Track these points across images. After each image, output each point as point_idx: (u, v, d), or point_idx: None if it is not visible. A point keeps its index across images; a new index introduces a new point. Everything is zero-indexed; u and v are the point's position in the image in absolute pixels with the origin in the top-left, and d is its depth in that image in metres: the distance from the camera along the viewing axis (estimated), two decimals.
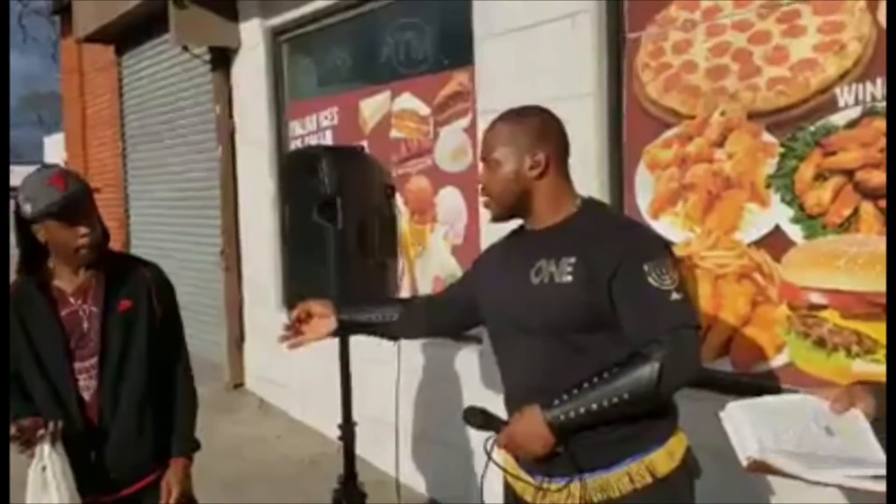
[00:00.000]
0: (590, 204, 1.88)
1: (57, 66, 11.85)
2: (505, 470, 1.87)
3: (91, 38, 7.85)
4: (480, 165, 1.87)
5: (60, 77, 10.87)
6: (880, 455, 1.06)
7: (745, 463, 1.13)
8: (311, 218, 2.39)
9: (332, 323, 2.16)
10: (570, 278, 1.71)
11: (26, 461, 2.06)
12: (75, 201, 2.10)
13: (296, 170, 2.49)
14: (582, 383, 1.66)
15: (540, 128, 1.82)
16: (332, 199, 2.35)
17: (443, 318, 2.14)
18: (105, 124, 8.93)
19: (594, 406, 1.65)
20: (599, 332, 1.71)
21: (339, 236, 2.37)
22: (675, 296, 1.68)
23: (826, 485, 1.01)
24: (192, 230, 7.08)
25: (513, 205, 1.83)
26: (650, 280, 1.67)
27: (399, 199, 4.31)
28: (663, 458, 1.74)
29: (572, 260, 1.72)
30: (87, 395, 2.20)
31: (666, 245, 1.84)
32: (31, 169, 2.27)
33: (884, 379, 1.56)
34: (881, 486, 0.98)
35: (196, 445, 2.38)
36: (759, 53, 2.64)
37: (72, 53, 9.72)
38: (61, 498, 2.01)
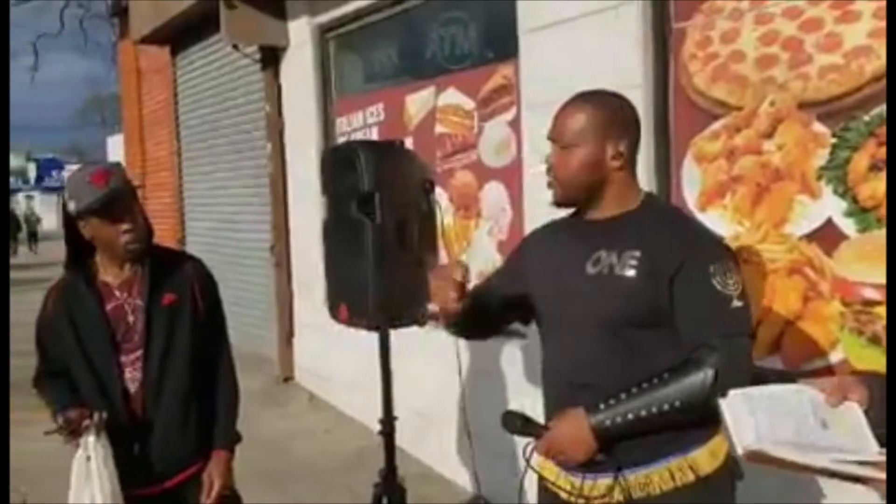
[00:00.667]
0: (652, 198, 1.85)
1: (116, 69, 12.16)
2: (542, 476, 1.85)
3: (146, 40, 8.04)
4: (551, 146, 1.80)
5: (119, 78, 11.15)
6: (874, 447, 1.07)
7: (741, 452, 1.13)
8: (349, 213, 2.39)
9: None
10: (632, 272, 1.68)
11: (72, 451, 2.11)
12: (116, 198, 2.14)
13: (334, 165, 2.50)
14: (630, 388, 1.63)
15: (624, 117, 1.77)
16: (371, 194, 2.34)
17: (486, 314, 2.00)
18: (161, 123, 9.14)
19: (643, 412, 1.62)
20: (654, 329, 1.68)
21: (377, 231, 2.36)
22: (736, 303, 1.65)
23: (814, 469, 1.03)
24: (244, 226, 7.20)
25: (583, 192, 1.77)
26: (714, 282, 1.64)
27: (444, 195, 4.30)
28: (706, 457, 1.71)
29: (636, 254, 1.68)
30: (132, 388, 2.25)
31: (730, 248, 1.81)
32: (74, 172, 2.33)
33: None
34: (866, 471, 1.00)
35: (237, 438, 2.41)
36: (810, 41, 2.55)
37: (129, 55, 9.98)
38: (103, 488, 2.06)
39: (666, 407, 1.60)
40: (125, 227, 2.17)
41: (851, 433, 1.12)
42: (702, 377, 1.58)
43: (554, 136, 1.78)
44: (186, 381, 2.29)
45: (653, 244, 1.69)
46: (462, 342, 3.45)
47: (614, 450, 1.69)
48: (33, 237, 28.41)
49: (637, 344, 1.69)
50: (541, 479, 1.88)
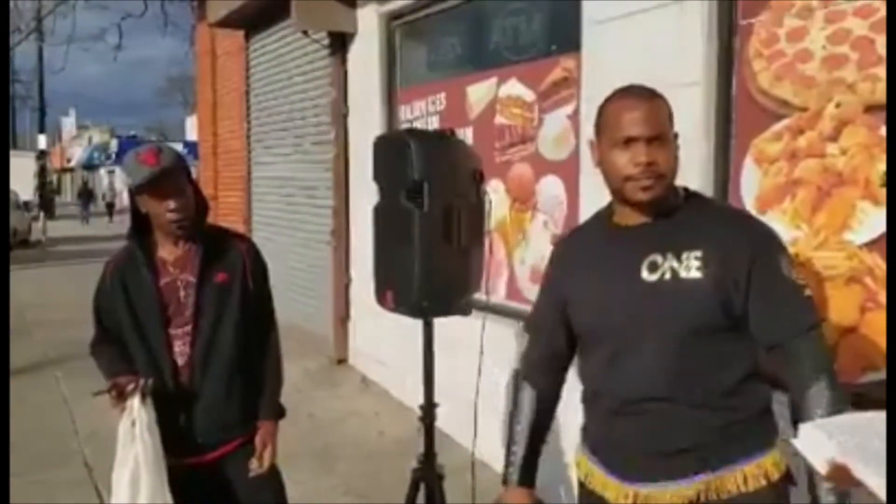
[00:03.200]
0: (693, 195, 1.76)
1: (194, 51, 12.46)
2: (583, 481, 1.82)
3: (222, 23, 8.22)
4: (642, 143, 1.63)
5: (195, 60, 11.43)
6: None
7: (823, 471, 1.06)
8: (398, 201, 2.41)
9: (531, 495, 1.92)
10: (699, 274, 1.59)
11: (120, 416, 2.21)
12: (163, 177, 2.21)
13: (385, 153, 2.52)
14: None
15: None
16: (419, 183, 2.35)
17: (560, 357, 1.89)
18: (232, 106, 9.33)
19: None
20: (727, 332, 1.61)
21: (424, 220, 2.37)
22: (807, 291, 1.63)
23: None
24: (306, 209, 7.31)
25: (671, 187, 1.68)
26: (785, 273, 1.61)
27: (501, 186, 4.30)
28: (773, 463, 1.67)
29: (698, 253, 1.60)
30: (180, 361, 2.33)
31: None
32: (177, 147, 2.44)
33: None
34: None
35: (282, 412, 2.48)
36: (881, 42, 2.46)
37: (205, 38, 10.20)
38: (146, 451, 2.15)
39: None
40: (172, 204, 2.24)
41: None
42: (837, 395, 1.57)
43: (648, 132, 1.62)
44: (232, 357, 2.36)
45: (715, 241, 1.61)
46: (502, 334, 3.44)
47: (700, 454, 1.65)
48: (110, 209, 30.10)
49: (712, 349, 1.61)
50: (582, 485, 1.84)
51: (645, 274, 1.64)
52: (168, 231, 2.31)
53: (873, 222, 2.48)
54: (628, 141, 1.63)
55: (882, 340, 2.48)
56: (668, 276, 1.62)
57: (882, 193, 2.45)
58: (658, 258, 1.64)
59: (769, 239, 1.66)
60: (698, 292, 1.59)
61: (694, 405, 1.63)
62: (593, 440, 1.82)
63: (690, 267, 1.60)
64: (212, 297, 2.34)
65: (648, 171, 1.62)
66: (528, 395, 1.91)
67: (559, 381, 1.92)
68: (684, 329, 1.61)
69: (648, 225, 1.68)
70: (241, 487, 2.39)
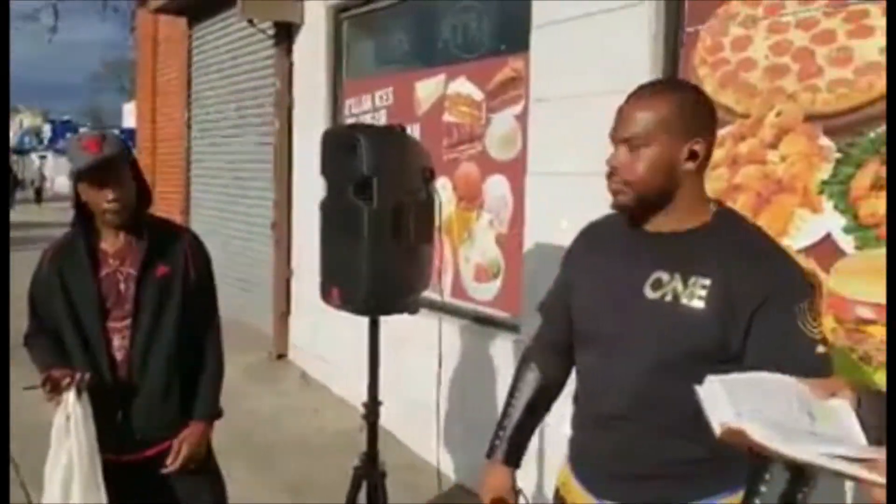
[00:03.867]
0: (727, 213, 1.60)
1: (134, 36, 12.15)
2: (559, 492, 1.79)
3: (164, 10, 8.03)
4: (618, 146, 1.57)
5: (136, 46, 11.14)
6: (862, 441, 0.99)
7: (718, 431, 1.06)
8: (346, 197, 2.39)
9: (513, 478, 1.88)
10: (701, 304, 1.48)
11: (55, 409, 2.13)
12: (104, 166, 2.15)
13: (334, 148, 2.48)
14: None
15: (701, 111, 1.55)
16: (369, 179, 2.33)
17: (568, 345, 1.81)
18: (174, 93, 9.13)
19: None
20: (717, 366, 1.42)
21: (373, 217, 2.35)
22: (820, 348, 1.46)
23: (799, 461, 0.95)
24: (247, 201, 7.20)
25: (652, 198, 1.55)
26: (799, 324, 1.44)
27: (448, 184, 4.30)
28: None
29: (706, 283, 1.49)
30: (118, 355, 2.26)
31: (813, 283, 1.60)
32: (72, 138, 2.36)
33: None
34: (859, 472, 0.92)
35: (218, 412, 2.43)
36: (822, 54, 2.53)
37: (147, 23, 9.96)
38: (81, 448, 2.08)
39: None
40: (110, 195, 2.18)
41: (839, 427, 1.03)
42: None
43: (620, 135, 1.55)
44: (172, 352, 2.30)
45: (729, 273, 1.47)
46: (449, 331, 3.45)
47: (658, 485, 1.58)
48: (38, 194, 29.10)
49: (693, 380, 1.43)
50: (557, 495, 1.81)
51: (647, 290, 1.55)
52: (104, 221, 2.25)
53: (811, 228, 2.55)
54: (612, 141, 1.59)
55: None
56: (668, 297, 1.52)
57: (819, 201, 2.53)
58: (664, 276, 1.54)
59: (790, 283, 1.48)
60: (695, 323, 1.49)
61: (662, 433, 1.56)
62: (572, 446, 1.78)
63: (694, 294, 1.50)
64: (153, 291, 2.28)
65: (614, 174, 1.57)
66: (531, 376, 1.88)
67: (566, 368, 1.83)
68: (669, 354, 1.52)
69: (664, 236, 1.58)
70: (179, 486, 2.34)
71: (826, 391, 1.08)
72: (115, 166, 2.18)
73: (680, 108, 1.52)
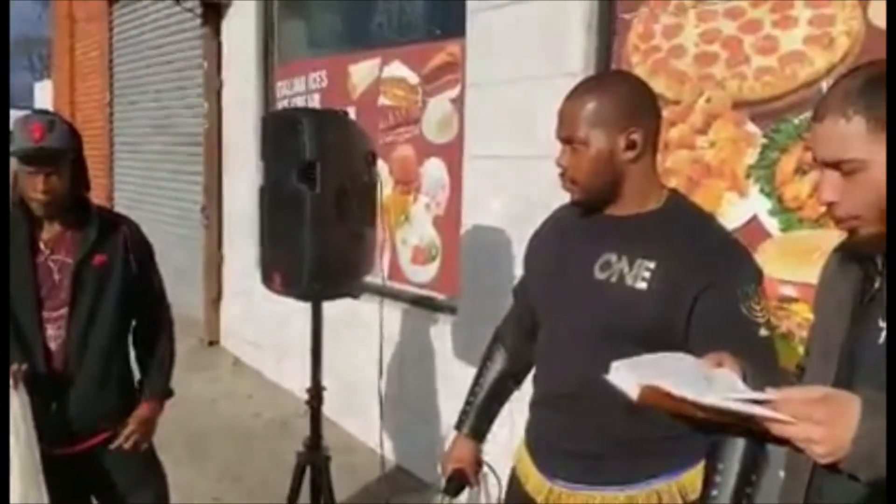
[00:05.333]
0: (677, 198, 1.64)
1: (48, 13, 11.64)
2: (514, 471, 1.82)
3: None
4: (560, 146, 1.61)
5: (52, 23, 10.68)
6: (753, 394, 1.07)
7: (636, 395, 1.12)
8: (288, 181, 2.37)
9: (477, 451, 1.93)
10: (643, 285, 1.52)
11: None
12: (40, 156, 2.09)
13: (275, 131, 2.46)
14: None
15: (633, 100, 1.58)
16: (312, 163, 2.32)
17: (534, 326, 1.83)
18: (94, 74, 8.81)
19: None
20: (659, 348, 1.45)
21: (316, 201, 2.34)
22: (763, 332, 1.49)
23: (710, 407, 1.02)
24: (176, 185, 7.03)
25: (601, 191, 1.59)
26: (742, 308, 1.47)
27: (384, 168, 4.30)
28: (694, 482, 1.56)
29: (651, 265, 1.52)
30: (53, 346, 2.20)
31: (759, 268, 1.61)
32: (22, 114, 2.27)
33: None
34: (762, 411, 0.97)
35: (168, 393, 2.41)
36: (748, 42, 2.63)
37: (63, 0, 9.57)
38: (19, 441, 2.02)
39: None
40: (41, 185, 2.12)
41: (733, 386, 1.08)
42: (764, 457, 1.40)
43: (562, 135, 1.59)
44: (110, 343, 2.26)
45: (673, 257, 1.51)
46: (389, 316, 3.48)
47: (606, 464, 1.62)
48: None
49: None
50: (513, 474, 1.83)
51: (597, 271, 1.59)
52: (32, 207, 2.18)
53: (738, 211, 2.66)
54: (558, 139, 1.63)
55: None
56: (614, 278, 1.56)
57: (746, 185, 2.64)
58: (612, 258, 1.58)
59: (734, 268, 1.52)
60: (636, 303, 1.52)
61: (610, 412, 1.51)
62: (528, 426, 1.81)
63: (638, 276, 1.53)
64: (89, 281, 2.22)
65: (563, 174, 1.61)
66: (499, 354, 1.93)
67: (533, 348, 1.83)
68: (612, 333, 1.55)
69: (616, 220, 1.61)
70: (119, 477, 2.30)
71: (715, 360, 1.15)
72: (52, 159, 2.12)
73: (611, 101, 1.55)
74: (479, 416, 1.92)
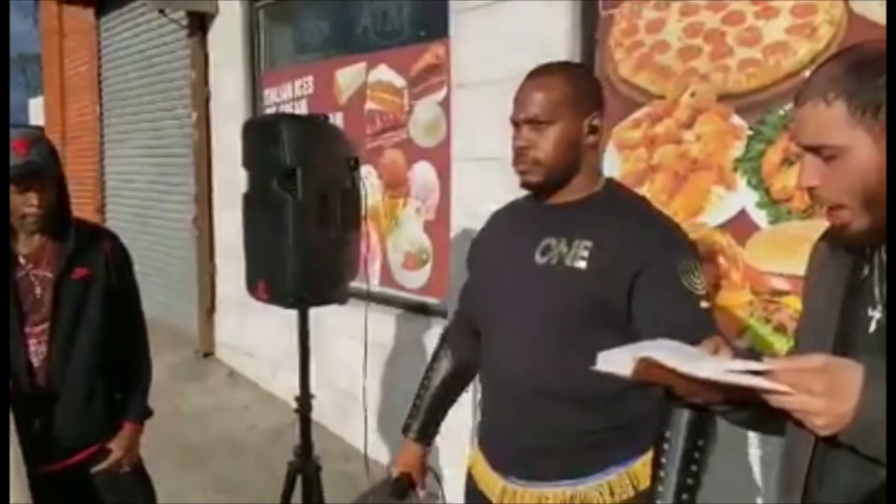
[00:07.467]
0: (613, 185, 1.68)
1: (38, 28, 11.62)
2: (470, 472, 1.81)
3: (69, 0, 7.71)
4: (522, 127, 1.61)
5: (41, 39, 10.67)
6: (751, 365, 1.04)
7: (630, 372, 1.10)
8: (270, 188, 2.34)
9: (424, 455, 1.95)
10: (582, 264, 1.54)
11: None
12: (30, 171, 2.07)
13: (256, 138, 2.43)
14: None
15: (593, 87, 1.64)
16: (293, 169, 2.29)
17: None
18: (83, 88, 8.79)
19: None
20: (604, 329, 1.51)
21: (298, 208, 2.31)
22: (704, 304, 1.53)
23: (707, 380, 0.99)
24: (167, 196, 7.00)
25: (561, 173, 1.60)
26: (682, 281, 1.50)
27: (373, 173, 4.27)
28: (643, 469, 1.55)
29: (588, 244, 1.55)
30: (35, 361, 2.18)
31: (695, 244, 1.66)
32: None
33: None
34: (761, 382, 0.96)
35: (148, 412, 2.37)
36: (731, 34, 2.61)
37: (51, 14, 9.54)
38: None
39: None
40: (32, 200, 2.10)
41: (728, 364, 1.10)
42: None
43: (523, 116, 1.59)
44: (94, 357, 2.24)
45: (612, 235, 1.54)
46: (379, 321, 3.45)
47: (556, 459, 1.61)
48: None
49: (583, 345, 1.42)
50: (469, 474, 1.82)
51: (537, 256, 1.60)
52: (21, 225, 2.16)
53: (726, 205, 2.64)
54: (514, 123, 1.63)
55: (730, 315, 2.65)
56: (554, 260, 1.58)
57: (734, 178, 2.62)
58: (552, 242, 1.60)
59: (671, 244, 1.56)
60: (576, 281, 1.54)
61: (561, 402, 1.57)
62: (480, 428, 1.80)
63: (577, 256, 1.55)
64: (71, 295, 2.20)
65: (523, 154, 1.61)
66: (444, 357, 1.93)
67: (479, 348, 1.83)
68: (554, 313, 1.56)
69: (553, 207, 1.65)
70: (107, 495, 2.27)
71: (709, 349, 1.13)
72: (36, 174, 2.10)
73: (576, 86, 1.60)
74: (425, 419, 1.92)
